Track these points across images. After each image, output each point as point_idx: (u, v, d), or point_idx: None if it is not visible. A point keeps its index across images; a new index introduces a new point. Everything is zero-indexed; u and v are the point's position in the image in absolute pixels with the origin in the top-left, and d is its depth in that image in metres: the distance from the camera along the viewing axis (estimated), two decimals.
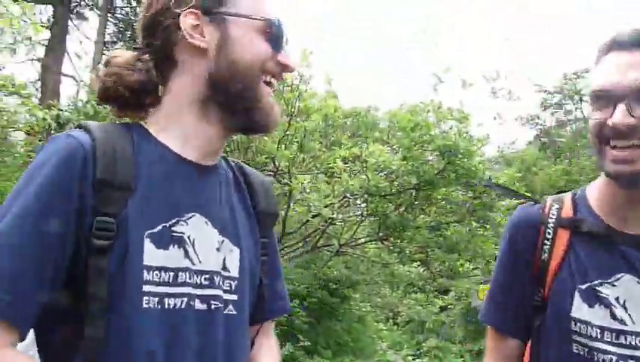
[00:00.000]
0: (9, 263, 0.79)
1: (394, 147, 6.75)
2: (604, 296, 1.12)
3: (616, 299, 1.11)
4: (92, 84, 1.06)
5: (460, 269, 8.04)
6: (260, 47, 0.97)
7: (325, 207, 5.74)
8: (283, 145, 6.00)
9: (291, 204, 6.54)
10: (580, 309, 1.12)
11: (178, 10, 0.95)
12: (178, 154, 0.97)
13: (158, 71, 1.00)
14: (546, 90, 20.64)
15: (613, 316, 1.10)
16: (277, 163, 6.36)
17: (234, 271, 0.99)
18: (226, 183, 1.05)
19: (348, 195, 6.41)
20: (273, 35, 0.98)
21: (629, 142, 1.02)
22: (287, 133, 6.10)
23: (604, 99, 1.05)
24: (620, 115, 1.01)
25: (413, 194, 6.07)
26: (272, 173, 6.56)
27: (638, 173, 1.03)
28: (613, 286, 1.12)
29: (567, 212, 1.19)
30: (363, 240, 7.81)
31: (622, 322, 1.09)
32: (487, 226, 6.62)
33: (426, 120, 5.88)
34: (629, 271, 1.11)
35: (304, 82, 6.13)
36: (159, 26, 0.97)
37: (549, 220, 1.19)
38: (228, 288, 0.97)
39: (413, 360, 11.11)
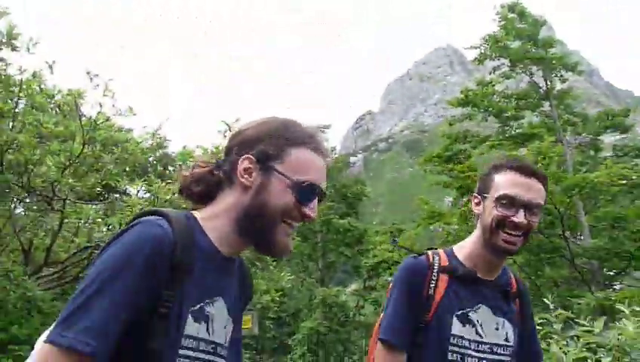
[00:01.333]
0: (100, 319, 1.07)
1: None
2: (471, 318, 1.71)
3: (477, 321, 1.71)
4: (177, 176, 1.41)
5: None
6: (287, 199, 1.26)
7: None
8: (68, 171, 5.74)
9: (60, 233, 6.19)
10: (457, 328, 1.69)
11: (240, 153, 1.30)
12: (217, 248, 1.29)
13: (221, 181, 1.33)
14: None
15: (477, 332, 1.70)
16: (55, 189, 6.00)
17: (228, 343, 1.35)
18: (235, 273, 1.40)
19: None
20: (300, 192, 1.27)
21: (519, 233, 1.68)
22: (75, 161, 5.87)
23: (510, 203, 1.67)
24: (522, 217, 1.66)
25: None
26: (47, 199, 6.13)
27: (514, 251, 1.71)
28: (476, 312, 1.72)
29: (445, 261, 1.77)
30: None
31: (481, 336, 1.70)
32: None
33: None
34: (485, 303, 1.74)
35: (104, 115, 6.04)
36: (229, 157, 1.33)
37: (434, 266, 1.75)
38: (223, 354, 1.32)
39: None
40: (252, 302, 8.21)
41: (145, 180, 6.44)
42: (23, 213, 7.91)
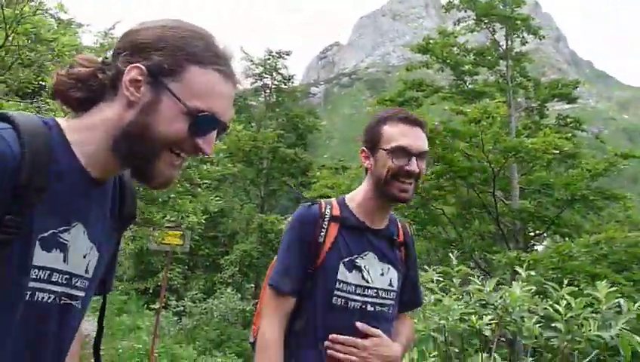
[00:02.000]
0: None
1: None
2: (358, 264, 1.77)
3: (365, 266, 1.78)
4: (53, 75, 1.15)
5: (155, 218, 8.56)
6: (177, 128, 1.07)
7: None
8: None
9: None
10: (343, 274, 1.75)
11: (129, 60, 1.07)
12: (84, 170, 1.09)
13: (104, 87, 1.11)
14: (251, 60, 22.47)
15: (363, 277, 1.77)
16: None
17: (90, 273, 1.17)
18: (108, 195, 1.21)
19: None
20: (196, 123, 1.07)
21: (411, 180, 1.75)
22: None
23: (403, 153, 1.73)
24: (414, 165, 1.73)
25: None
26: None
27: (408, 198, 1.78)
28: (363, 258, 1.79)
29: (336, 211, 1.82)
30: None
31: (367, 281, 1.77)
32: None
33: None
34: (372, 250, 1.81)
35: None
36: (115, 62, 1.09)
37: (325, 216, 1.79)
38: (82, 286, 1.15)
39: None
40: (178, 221, 8.22)
41: None
42: None
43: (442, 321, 3.94)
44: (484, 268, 12.23)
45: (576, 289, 4.16)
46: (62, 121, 1.11)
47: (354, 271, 1.76)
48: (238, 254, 20.12)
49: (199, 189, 6.75)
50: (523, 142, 10.64)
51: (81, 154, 1.09)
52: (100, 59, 1.15)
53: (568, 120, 15.32)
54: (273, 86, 24.87)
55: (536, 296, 4.08)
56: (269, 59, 24.27)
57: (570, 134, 13.44)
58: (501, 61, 14.61)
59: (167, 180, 1.14)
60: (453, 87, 14.94)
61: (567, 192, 11.48)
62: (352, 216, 1.83)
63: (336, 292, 1.74)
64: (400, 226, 1.94)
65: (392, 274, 1.84)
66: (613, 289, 3.76)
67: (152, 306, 16.26)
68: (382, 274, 1.81)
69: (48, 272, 1.06)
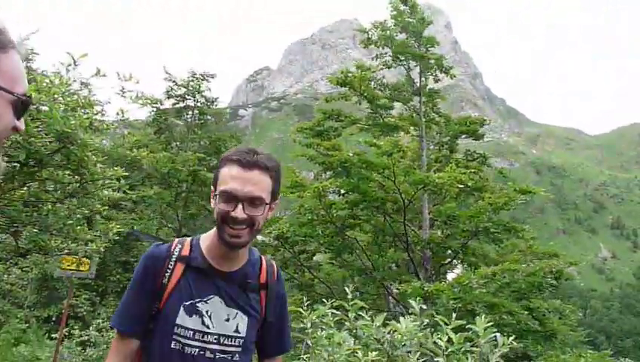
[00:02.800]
0: None
1: None
2: (199, 309, 1.73)
3: (207, 311, 1.73)
4: None
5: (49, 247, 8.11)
6: (8, 120, 1.02)
7: None
8: None
9: None
10: (182, 318, 1.71)
11: None
12: None
13: None
14: (174, 81, 22.08)
15: (203, 323, 1.72)
16: None
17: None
18: None
19: None
20: (21, 110, 1.03)
21: (241, 226, 1.67)
22: None
23: (230, 198, 1.66)
24: (239, 212, 1.65)
25: (17, 167, 5.93)
26: None
27: (242, 244, 1.71)
28: (206, 303, 1.74)
29: (186, 251, 1.78)
30: None
31: (207, 327, 1.72)
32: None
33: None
34: (217, 294, 1.75)
35: None
36: None
37: (173, 256, 1.77)
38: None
39: None
40: (75, 249, 7.83)
41: None
42: None
43: (331, 357, 3.99)
44: (395, 296, 12.57)
45: (465, 323, 4.38)
46: None
47: (194, 316, 1.72)
48: None
49: (98, 216, 6.48)
50: (430, 176, 11.17)
51: None
52: None
53: (475, 155, 16.25)
54: (196, 108, 24.47)
55: (427, 330, 4.25)
56: (192, 80, 23.92)
57: (475, 169, 14.24)
58: (415, 97, 15.33)
59: None
60: (370, 119, 15.45)
61: (471, 224, 12.11)
62: (200, 257, 1.78)
63: (174, 337, 1.71)
64: (264, 267, 1.89)
65: (240, 320, 1.78)
66: (490, 324, 4.00)
67: (54, 335, 15.20)
68: (227, 320, 1.76)
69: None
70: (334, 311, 4.63)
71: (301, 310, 4.46)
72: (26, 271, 14.30)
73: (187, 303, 1.72)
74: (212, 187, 1.76)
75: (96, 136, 6.14)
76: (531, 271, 11.87)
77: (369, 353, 3.93)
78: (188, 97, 24.18)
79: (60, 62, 5.94)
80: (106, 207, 6.38)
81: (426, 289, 8.89)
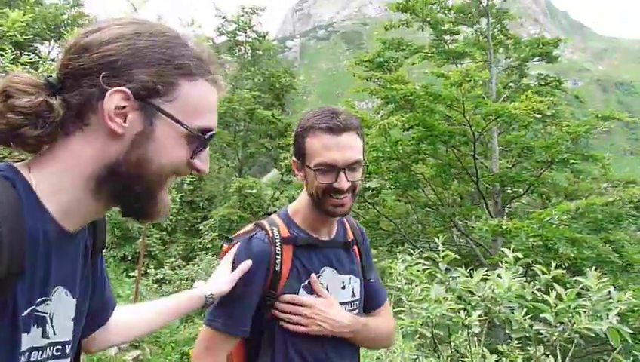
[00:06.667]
0: None
1: None
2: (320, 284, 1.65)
3: (323, 284, 1.65)
4: None
5: None
6: (180, 154, 0.92)
7: None
8: None
9: None
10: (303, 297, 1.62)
11: (107, 86, 0.86)
12: (60, 227, 0.90)
13: (64, 118, 0.88)
14: (224, 17, 21.65)
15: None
16: None
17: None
18: (82, 240, 1.02)
19: None
20: (198, 146, 0.93)
21: (345, 195, 1.57)
22: None
23: (328, 169, 1.55)
24: (343, 181, 1.54)
25: None
26: None
27: (346, 212, 1.63)
28: (321, 275, 1.65)
29: (285, 232, 1.63)
30: None
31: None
32: None
33: None
34: (328, 264, 1.67)
35: None
36: (81, 86, 0.87)
37: (276, 240, 1.60)
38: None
39: None
40: None
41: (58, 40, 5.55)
42: None
43: (429, 314, 3.81)
44: (464, 231, 12.26)
45: (563, 271, 4.06)
46: (22, 169, 0.89)
47: (314, 294, 1.65)
48: (217, 219, 19.88)
49: None
50: (505, 107, 10.46)
51: (53, 208, 0.89)
52: (41, 81, 0.89)
53: (548, 78, 15.14)
54: (247, 44, 24.08)
55: (524, 281, 3.97)
56: (242, 15, 23.40)
57: (549, 95, 13.27)
58: (482, 19, 14.22)
59: (165, 209, 0.97)
60: (434, 46, 14.54)
61: (547, 154, 11.43)
62: (302, 234, 1.67)
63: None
64: (348, 225, 1.81)
65: (354, 283, 1.74)
66: (605, 280, 3.67)
67: (132, 274, 16.09)
68: (343, 288, 1.71)
69: (28, 353, 0.89)
70: (424, 261, 4.41)
71: (392, 266, 4.24)
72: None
73: (306, 283, 1.64)
74: (295, 159, 1.65)
75: None
76: (609, 200, 11.21)
77: (472, 312, 3.72)
78: (239, 33, 23.81)
79: (121, 10, 5.70)
80: None
81: (504, 227, 8.52)
